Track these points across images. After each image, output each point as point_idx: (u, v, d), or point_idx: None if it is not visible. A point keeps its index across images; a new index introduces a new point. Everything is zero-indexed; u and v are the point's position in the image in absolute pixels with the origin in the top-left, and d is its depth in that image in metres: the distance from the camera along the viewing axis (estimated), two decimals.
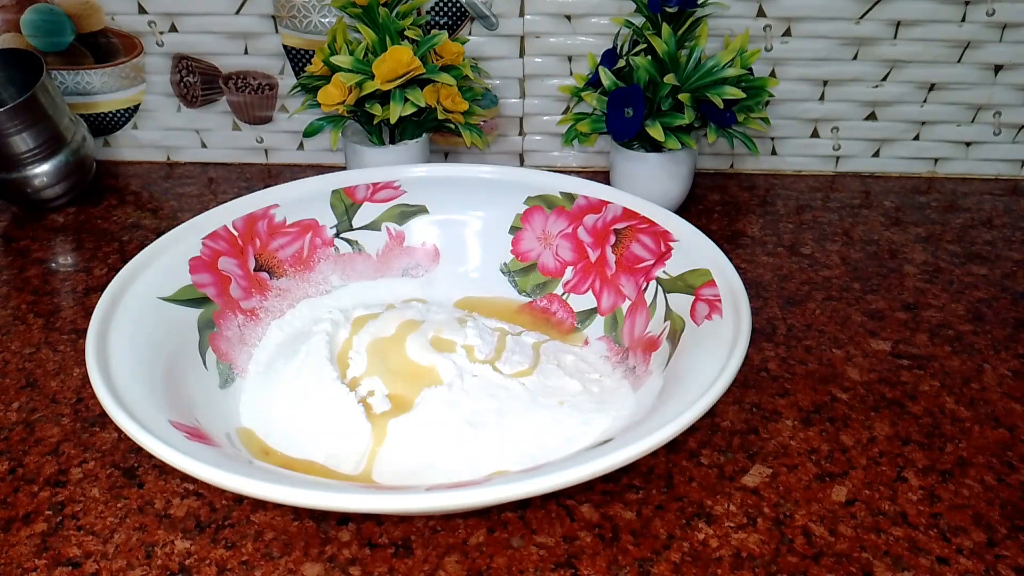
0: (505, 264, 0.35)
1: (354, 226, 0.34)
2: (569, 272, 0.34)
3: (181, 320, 0.29)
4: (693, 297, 0.29)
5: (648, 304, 0.31)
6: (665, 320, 0.29)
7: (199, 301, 0.29)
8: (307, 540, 0.25)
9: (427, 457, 0.26)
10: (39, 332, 0.35)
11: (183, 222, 0.32)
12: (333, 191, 0.34)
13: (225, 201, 0.34)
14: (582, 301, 0.33)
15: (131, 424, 0.22)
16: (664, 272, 0.31)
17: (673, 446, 0.28)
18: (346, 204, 0.34)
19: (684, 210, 0.43)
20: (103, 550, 0.24)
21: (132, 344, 0.26)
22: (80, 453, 0.28)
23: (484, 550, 0.24)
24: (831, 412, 0.29)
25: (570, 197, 0.34)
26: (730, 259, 0.29)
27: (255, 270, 0.32)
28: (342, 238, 0.34)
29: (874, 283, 0.37)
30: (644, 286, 0.31)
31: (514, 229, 0.35)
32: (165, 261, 0.29)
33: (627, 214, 0.33)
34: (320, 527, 0.25)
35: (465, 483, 0.22)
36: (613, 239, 0.33)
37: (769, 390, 0.31)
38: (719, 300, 0.27)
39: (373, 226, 0.34)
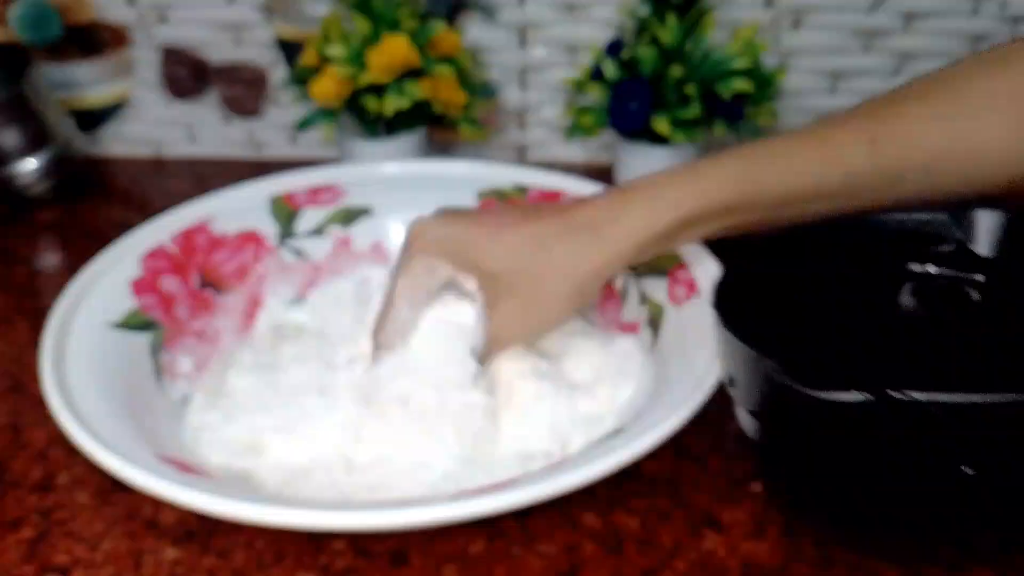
0: None
1: (297, 233, 0.33)
2: None
3: (132, 346, 0.27)
4: (668, 279, 0.29)
5: (618, 291, 0.30)
6: (641, 305, 0.29)
7: (147, 325, 0.28)
8: (300, 549, 0.24)
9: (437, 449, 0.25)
10: (25, 333, 0.34)
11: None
12: (271, 198, 0.33)
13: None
14: None
15: (124, 465, 0.21)
16: None
17: (680, 451, 0.27)
18: (286, 211, 0.33)
19: None
20: (91, 557, 0.24)
21: (93, 379, 0.24)
22: (67, 458, 0.27)
23: (483, 559, 0.24)
24: None
25: (523, 189, 0.33)
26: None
27: (200, 287, 0.30)
28: (286, 246, 0.33)
29: None
30: None
31: None
32: (107, 285, 0.28)
33: None
34: (313, 535, 0.24)
35: (460, 494, 0.21)
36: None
37: None
38: (694, 281, 0.28)
39: (317, 231, 0.33)
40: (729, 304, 0.23)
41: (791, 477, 0.24)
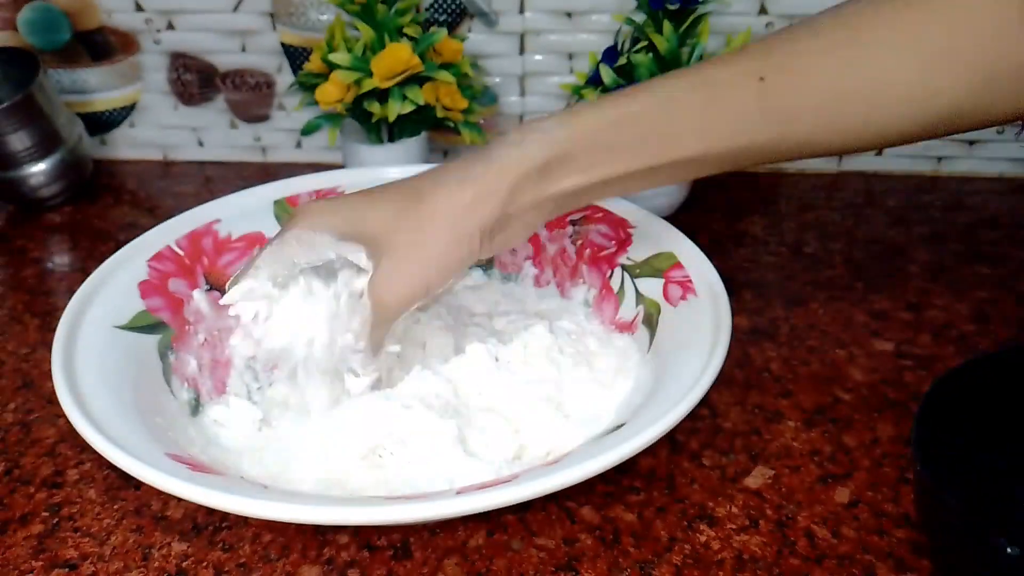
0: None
1: None
2: (528, 267, 0.34)
3: (141, 347, 0.27)
4: (663, 280, 0.29)
5: (616, 291, 0.31)
6: (637, 305, 0.29)
7: (155, 327, 0.28)
8: (305, 542, 0.24)
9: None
10: (35, 332, 0.35)
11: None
12: (276, 201, 0.33)
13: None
14: (545, 294, 0.33)
15: (133, 463, 0.21)
16: (628, 258, 0.31)
17: (675, 447, 0.27)
18: (291, 214, 0.33)
19: (686, 210, 0.43)
20: (100, 552, 0.24)
21: (103, 380, 0.25)
22: (76, 454, 0.28)
23: (484, 552, 0.24)
24: (834, 413, 0.29)
25: None
26: (731, 257, 0.29)
27: (206, 290, 0.31)
28: None
29: (877, 283, 0.37)
30: (609, 274, 0.31)
31: None
32: (114, 287, 0.28)
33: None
34: (318, 529, 0.25)
35: (463, 489, 0.22)
36: (571, 231, 0.33)
37: (771, 391, 0.30)
38: (690, 280, 0.28)
39: None
40: (929, 444, 0.20)
41: None
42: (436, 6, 0.43)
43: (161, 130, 0.48)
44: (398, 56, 0.37)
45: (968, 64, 0.21)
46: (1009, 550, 0.17)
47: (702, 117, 0.23)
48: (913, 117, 0.22)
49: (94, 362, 0.26)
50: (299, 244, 0.25)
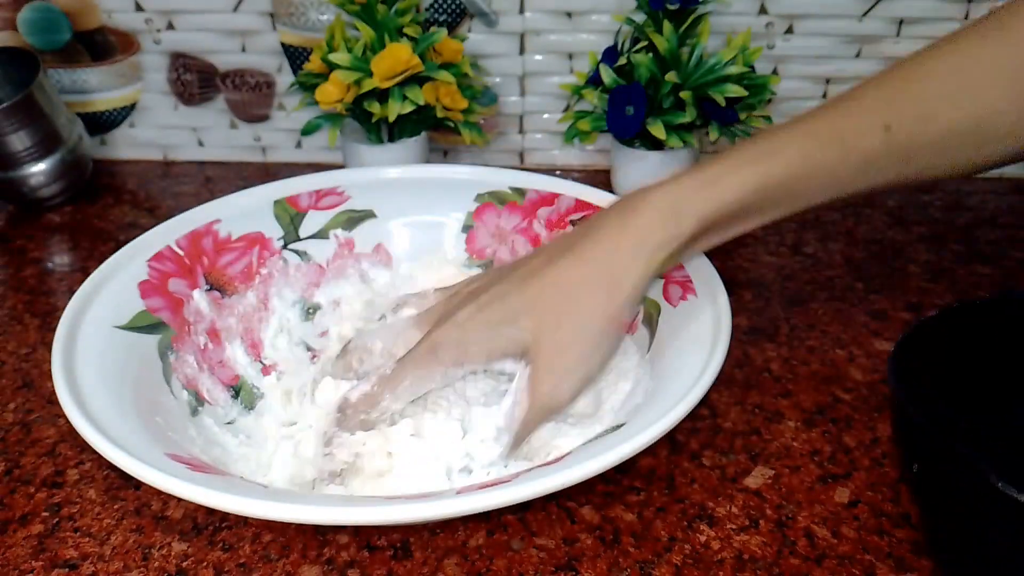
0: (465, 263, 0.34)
1: (301, 236, 0.33)
2: None
3: (141, 347, 0.27)
4: (663, 280, 0.29)
5: None
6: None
7: (155, 327, 0.28)
8: (305, 542, 0.24)
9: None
10: (35, 332, 0.35)
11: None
12: (276, 201, 0.33)
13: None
14: None
15: (134, 463, 0.21)
16: None
17: (675, 447, 0.27)
18: (291, 214, 0.33)
19: None
20: (100, 552, 0.24)
21: (103, 379, 0.25)
22: (77, 454, 0.28)
23: (484, 552, 0.24)
24: (834, 413, 0.29)
25: (520, 192, 0.34)
26: (731, 257, 0.29)
27: (206, 290, 0.31)
28: (290, 249, 0.33)
29: (877, 283, 0.37)
30: None
31: (467, 227, 0.34)
32: (114, 287, 0.28)
33: (580, 204, 0.33)
34: (318, 529, 0.25)
35: (462, 489, 0.22)
36: (571, 230, 0.33)
37: (771, 391, 0.30)
38: (690, 281, 0.28)
39: (321, 234, 0.33)
40: (908, 381, 0.20)
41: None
42: (436, 6, 0.43)
43: (161, 130, 0.48)
44: (398, 56, 0.37)
45: None
46: (994, 480, 0.18)
47: (835, 173, 0.25)
48: (1012, 148, 0.24)
49: (94, 362, 0.25)
50: (441, 376, 0.26)
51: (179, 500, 0.26)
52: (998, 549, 0.19)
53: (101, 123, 0.48)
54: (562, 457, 0.23)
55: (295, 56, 0.46)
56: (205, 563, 0.24)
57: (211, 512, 0.25)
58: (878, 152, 0.24)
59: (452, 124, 0.41)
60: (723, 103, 0.37)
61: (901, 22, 0.43)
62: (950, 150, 0.25)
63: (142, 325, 0.28)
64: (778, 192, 0.25)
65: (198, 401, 0.28)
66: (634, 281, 0.24)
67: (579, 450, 0.23)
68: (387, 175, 0.36)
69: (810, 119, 0.25)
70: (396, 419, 0.26)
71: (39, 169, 0.42)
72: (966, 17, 0.42)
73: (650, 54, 0.38)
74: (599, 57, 0.40)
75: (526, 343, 0.25)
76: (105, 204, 0.45)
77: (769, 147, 0.25)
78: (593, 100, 0.39)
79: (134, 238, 0.31)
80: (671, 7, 0.37)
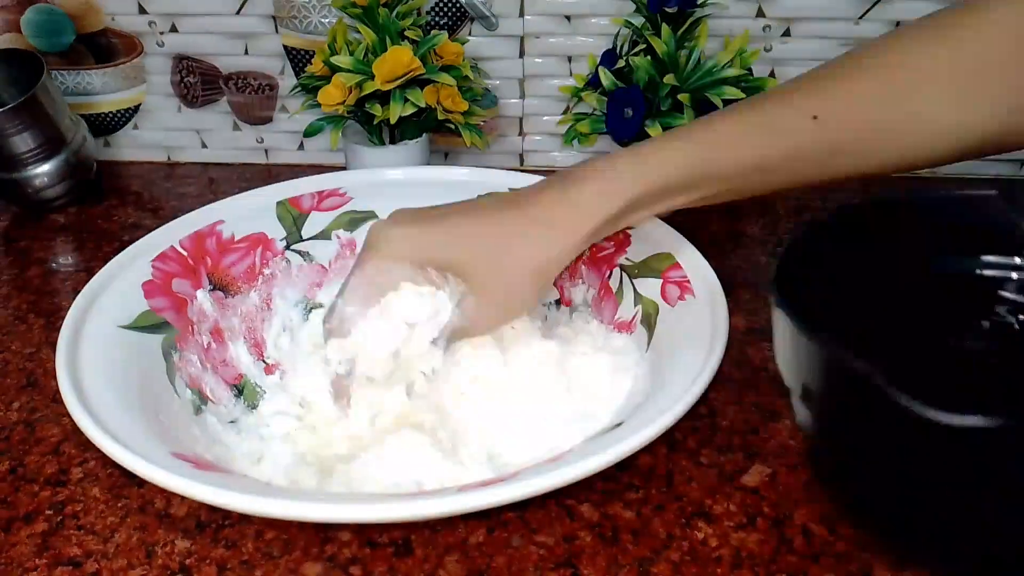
0: None
1: (304, 237, 0.34)
2: None
3: (145, 347, 0.28)
4: (661, 280, 0.29)
5: (614, 291, 0.31)
6: (636, 305, 0.30)
7: (159, 326, 0.29)
8: (307, 540, 0.25)
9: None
10: (40, 332, 0.35)
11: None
12: (279, 202, 0.34)
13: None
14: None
15: (137, 461, 0.22)
16: (627, 259, 0.31)
17: (673, 445, 0.28)
18: (293, 215, 0.34)
19: (684, 211, 0.43)
20: (103, 549, 0.24)
21: (107, 379, 0.25)
22: (80, 453, 0.28)
23: (484, 549, 0.24)
24: None
25: None
26: (729, 257, 0.29)
27: (210, 290, 0.31)
28: (293, 250, 0.33)
29: None
30: (608, 274, 0.31)
31: None
32: (118, 288, 0.29)
33: None
34: (320, 526, 0.25)
35: (464, 487, 0.22)
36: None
37: (769, 390, 0.30)
38: (688, 281, 0.28)
39: (323, 235, 0.34)
40: (790, 296, 0.20)
41: (858, 484, 0.22)
42: (437, 9, 0.44)
43: (165, 132, 0.49)
44: (399, 59, 0.38)
45: (994, 98, 0.23)
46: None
47: (764, 158, 0.25)
48: (946, 147, 0.24)
49: (98, 361, 0.26)
50: (375, 272, 0.27)
51: (182, 498, 0.26)
52: (893, 465, 0.19)
53: (105, 125, 0.49)
54: (562, 455, 0.23)
55: (297, 59, 0.46)
56: (208, 560, 0.24)
57: (214, 510, 0.26)
58: (805, 141, 0.25)
59: (453, 126, 0.41)
60: (721, 105, 0.37)
61: (897, 24, 0.43)
62: (879, 146, 0.25)
63: (146, 325, 0.29)
64: (707, 170, 0.26)
65: (201, 400, 0.29)
66: (563, 245, 0.27)
67: (579, 448, 0.24)
68: (388, 176, 0.36)
69: (744, 106, 0.26)
70: (355, 322, 0.27)
71: (43, 170, 0.43)
72: None
73: (648, 57, 0.38)
74: (598, 60, 0.41)
75: (461, 264, 0.27)
76: (109, 205, 0.45)
77: (701, 130, 0.26)
78: (592, 102, 0.40)
79: (138, 239, 0.32)
80: (669, 10, 0.38)
